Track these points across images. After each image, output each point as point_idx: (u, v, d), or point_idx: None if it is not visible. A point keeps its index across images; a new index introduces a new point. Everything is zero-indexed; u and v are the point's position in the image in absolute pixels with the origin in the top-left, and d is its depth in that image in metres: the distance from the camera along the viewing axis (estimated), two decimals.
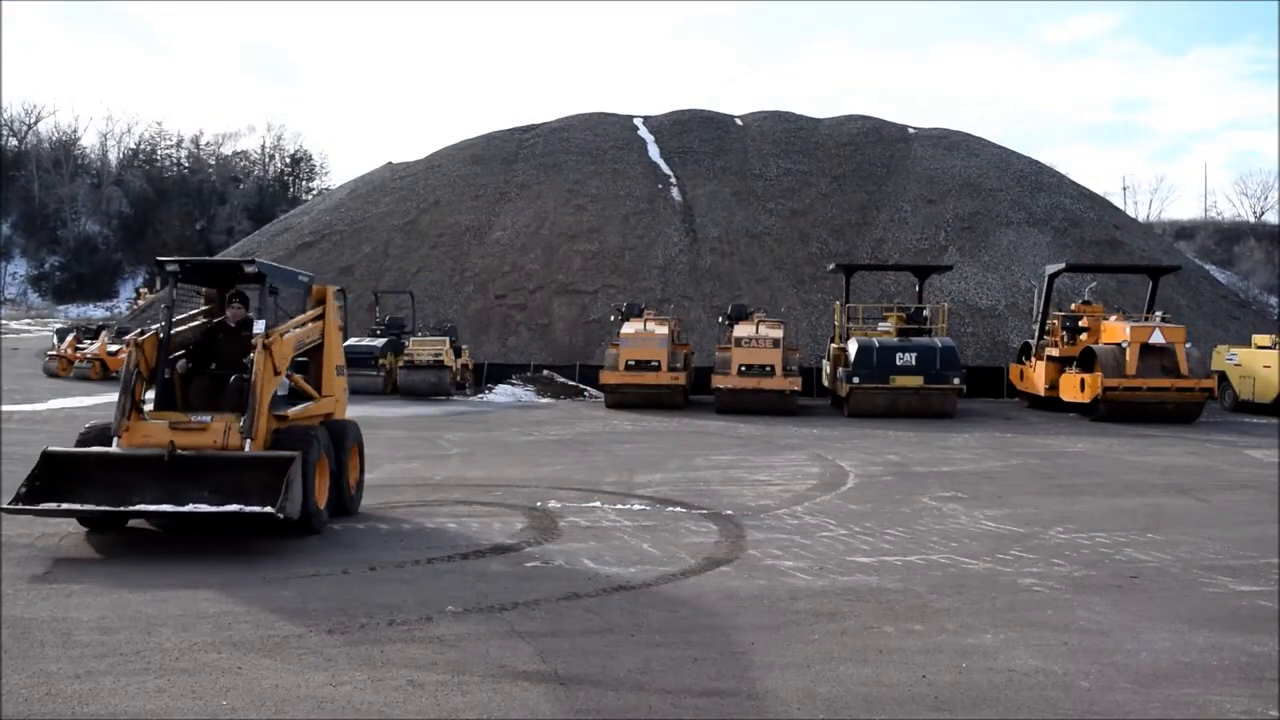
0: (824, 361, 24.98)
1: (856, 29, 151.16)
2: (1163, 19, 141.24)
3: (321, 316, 9.87)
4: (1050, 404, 22.55)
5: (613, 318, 26.12)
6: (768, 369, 21.37)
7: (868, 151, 40.44)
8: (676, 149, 41.27)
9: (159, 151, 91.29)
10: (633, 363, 22.12)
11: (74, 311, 68.43)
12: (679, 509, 10.39)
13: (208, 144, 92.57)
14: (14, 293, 75.71)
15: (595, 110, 45.81)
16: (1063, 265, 24.51)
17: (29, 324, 59.75)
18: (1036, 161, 43.22)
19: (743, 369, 21.45)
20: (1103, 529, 9.61)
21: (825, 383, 24.23)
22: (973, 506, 10.78)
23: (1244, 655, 5.97)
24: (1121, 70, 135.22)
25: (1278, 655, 5.97)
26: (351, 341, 27.02)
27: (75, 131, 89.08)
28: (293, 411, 9.02)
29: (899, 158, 40.01)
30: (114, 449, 8.26)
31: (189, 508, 7.81)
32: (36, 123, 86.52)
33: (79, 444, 8.59)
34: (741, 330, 22.33)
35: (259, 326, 8.93)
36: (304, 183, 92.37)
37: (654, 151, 41.41)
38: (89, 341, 31.75)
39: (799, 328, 30.11)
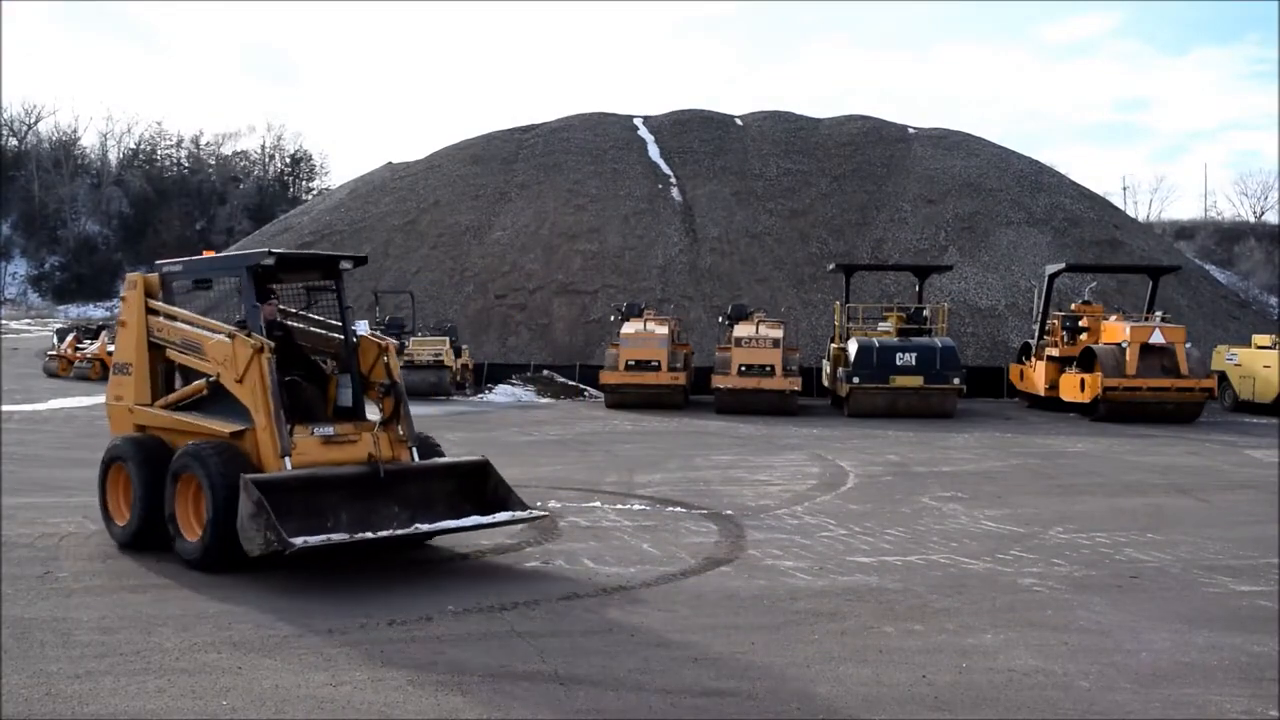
0: (824, 361, 24.97)
1: (856, 29, 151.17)
2: (1163, 19, 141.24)
3: None
4: (1050, 404, 22.54)
5: (613, 318, 26.11)
6: (768, 369, 21.37)
7: (868, 151, 40.42)
8: (676, 149, 41.26)
9: (159, 151, 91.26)
10: (633, 363, 22.12)
11: (74, 311, 68.38)
12: (679, 509, 10.39)
13: (208, 144, 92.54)
14: (14, 293, 75.68)
15: (595, 110, 45.77)
16: (1063, 265, 24.51)
17: (29, 324, 59.76)
18: (1036, 161, 43.20)
19: (743, 369, 21.45)
20: (1103, 529, 9.61)
21: (825, 383, 24.22)
22: (973, 506, 10.79)
23: (1244, 655, 5.98)
24: (1122, 70, 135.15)
25: (1278, 655, 5.97)
26: None
27: (75, 131, 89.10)
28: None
29: (899, 158, 39.99)
30: (321, 468, 7.52)
31: (470, 521, 7.64)
32: (36, 123, 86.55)
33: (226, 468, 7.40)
34: (741, 330, 22.32)
35: (364, 327, 8.39)
36: (304, 183, 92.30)
37: (654, 151, 41.38)
38: (89, 341, 31.76)
39: (799, 328, 30.10)
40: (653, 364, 22.10)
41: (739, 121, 44.14)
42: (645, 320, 23.61)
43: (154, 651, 5.78)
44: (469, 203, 39.17)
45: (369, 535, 7.20)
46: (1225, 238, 62.85)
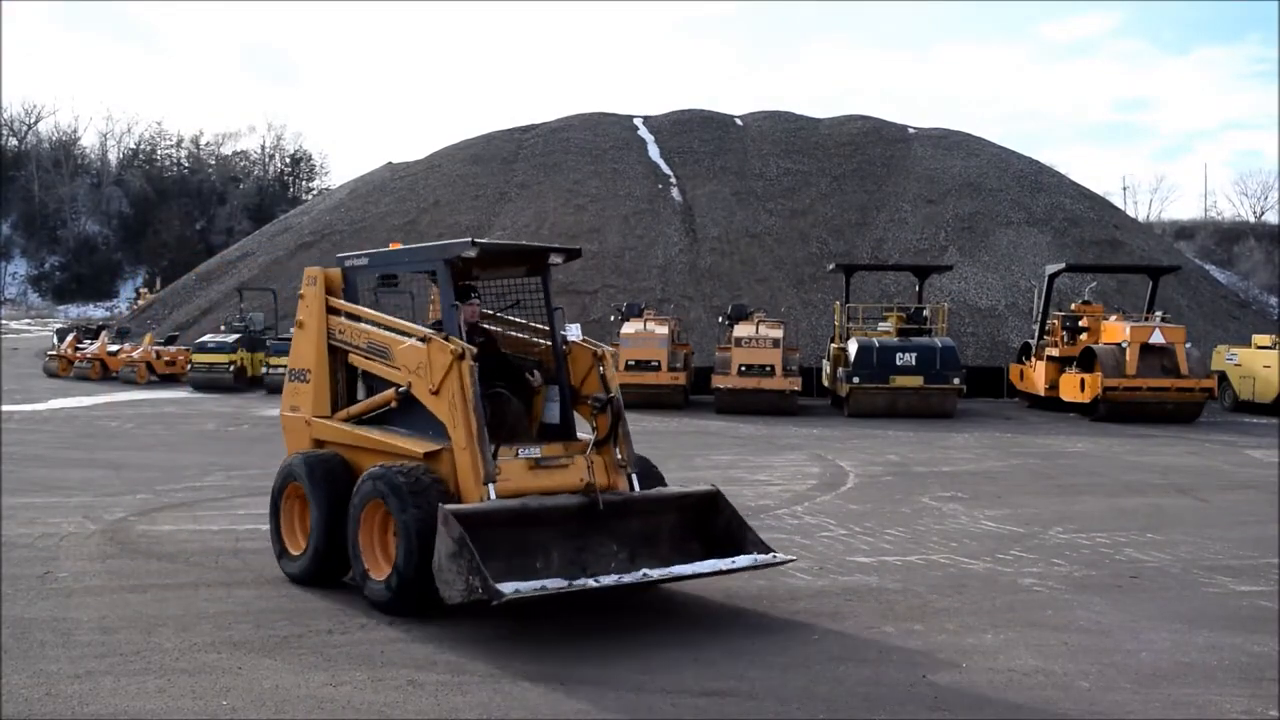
0: (824, 361, 24.96)
1: (856, 29, 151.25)
2: (1164, 18, 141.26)
3: None
4: (1050, 404, 22.52)
5: (613, 318, 26.10)
6: (768, 369, 21.36)
7: (868, 151, 40.42)
8: (676, 149, 41.26)
9: (159, 151, 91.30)
10: (633, 363, 22.10)
11: (74, 311, 68.44)
12: None
13: (208, 144, 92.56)
14: (14, 293, 75.72)
15: (595, 110, 45.78)
16: (1063, 265, 24.49)
17: (29, 324, 59.79)
18: (1036, 161, 43.20)
19: (743, 369, 21.43)
20: (1103, 529, 9.60)
21: (825, 383, 24.21)
22: (973, 506, 10.78)
23: (1244, 655, 5.98)
24: (1122, 70, 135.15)
25: (1278, 655, 5.97)
26: None
27: (75, 131, 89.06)
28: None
29: (899, 158, 39.99)
30: (529, 499, 6.43)
31: (705, 567, 6.51)
32: (36, 123, 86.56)
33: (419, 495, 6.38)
34: (741, 330, 22.31)
35: (575, 332, 7.22)
36: (304, 183, 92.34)
37: (654, 151, 41.39)
38: (89, 341, 31.77)
39: (799, 328, 30.08)
40: (653, 364, 22.09)
41: (739, 121, 44.14)
42: (645, 320, 23.60)
43: (154, 651, 5.78)
44: (469, 203, 39.18)
45: (591, 584, 6.04)
46: (1225, 238, 62.85)
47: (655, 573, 6.33)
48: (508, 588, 5.73)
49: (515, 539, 6.25)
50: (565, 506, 6.50)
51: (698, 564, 6.55)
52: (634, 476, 6.90)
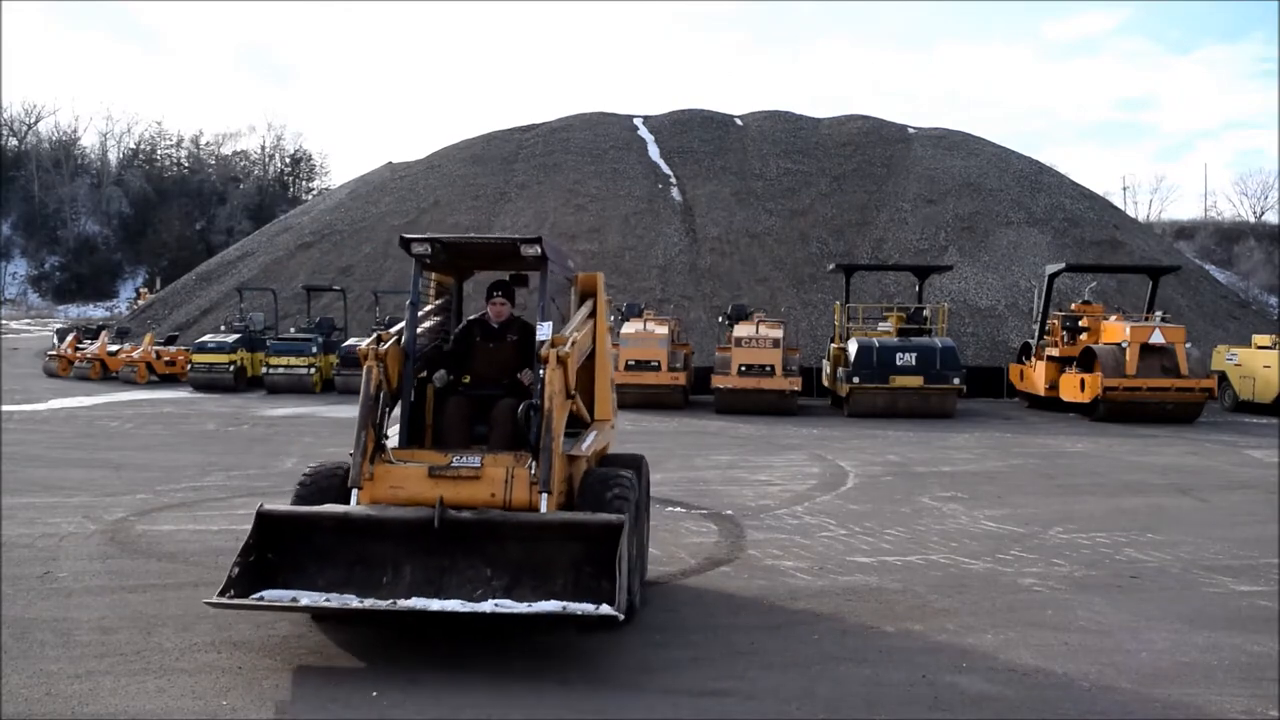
0: (824, 361, 24.97)
1: (857, 29, 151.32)
2: (1167, 17, 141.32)
3: (593, 314, 7.48)
4: (1050, 404, 22.53)
5: (613, 317, 26.11)
6: (768, 369, 21.37)
7: (868, 151, 40.43)
8: (676, 149, 41.27)
9: (159, 151, 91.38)
10: (633, 363, 22.12)
11: (74, 311, 68.47)
12: (679, 509, 10.39)
13: (208, 144, 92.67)
14: (14, 293, 75.74)
15: (595, 110, 45.82)
16: (1063, 265, 24.48)
17: (29, 324, 59.79)
18: (1036, 161, 43.22)
19: (743, 369, 21.44)
20: (1103, 529, 9.60)
21: (825, 383, 24.22)
22: (973, 506, 10.78)
23: (1244, 655, 5.98)
24: (1126, 69, 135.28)
25: (1278, 655, 5.97)
26: (352, 341, 27.08)
27: (75, 131, 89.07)
28: (582, 449, 6.67)
29: (899, 158, 40.01)
30: (355, 507, 6.00)
31: (489, 606, 5.47)
32: (36, 123, 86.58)
33: (302, 496, 6.37)
34: (741, 330, 22.32)
35: (545, 331, 6.53)
36: (304, 183, 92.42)
37: (654, 151, 41.41)
38: (89, 341, 31.78)
39: (799, 328, 30.09)
40: (653, 364, 22.10)
41: (739, 121, 44.16)
42: (645, 320, 23.61)
43: (154, 651, 5.78)
44: (469, 203, 39.20)
45: (320, 603, 5.61)
46: (1225, 238, 62.94)
47: (409, 603, 5.54)
48: (225, 596, 5.54)
49: (359, 549, 5.89)
50: (404, 520, 5.88)
51: (497, 605, 5.51)
52: (546, 497, 5.95)
